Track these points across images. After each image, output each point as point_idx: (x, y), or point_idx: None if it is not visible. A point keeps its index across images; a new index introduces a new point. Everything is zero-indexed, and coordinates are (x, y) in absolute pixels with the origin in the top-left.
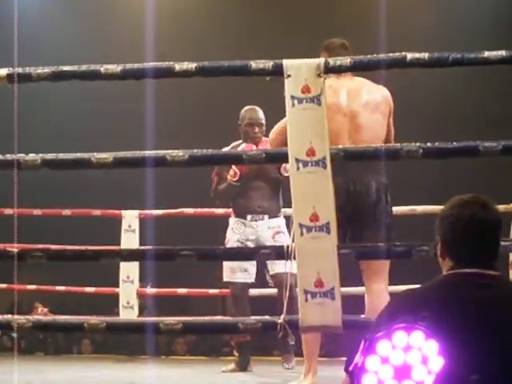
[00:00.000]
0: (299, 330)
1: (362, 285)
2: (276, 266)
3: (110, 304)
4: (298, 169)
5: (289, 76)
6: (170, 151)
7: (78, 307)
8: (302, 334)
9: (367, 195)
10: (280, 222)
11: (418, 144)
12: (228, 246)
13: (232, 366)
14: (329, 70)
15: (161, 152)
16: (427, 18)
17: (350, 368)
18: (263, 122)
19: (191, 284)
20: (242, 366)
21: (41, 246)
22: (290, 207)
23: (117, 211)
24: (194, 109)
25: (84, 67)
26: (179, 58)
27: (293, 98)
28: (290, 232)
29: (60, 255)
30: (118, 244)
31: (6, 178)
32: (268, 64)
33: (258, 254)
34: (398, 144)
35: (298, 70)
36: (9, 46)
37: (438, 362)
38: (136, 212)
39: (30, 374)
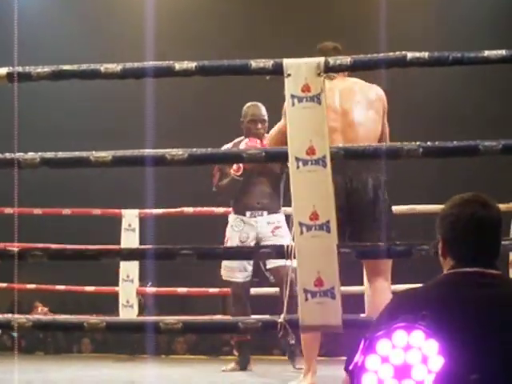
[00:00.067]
0: (299, 330)
1: (362, 284)
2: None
3: (110, 303)
4: (297, 167)
5: (289, 75)
6: (169, 150)
7: (77, 306)
8: (301, 333)
9: (364, 192)
10: (279, 217)
11: (418, 143)
12: (228, 244)
13: (232, 365)
14: (329, 69)
15: (160, 151)
16: (427, 17)
17: (350, 367)
18: (266, 118)
19: (191, 283)
20: (242, 366)
21: (41, 245)
22: (291, 206)
23: (117, 210)
24: (194, 108)
25: (84, 66)
26: (179, 57)
27: (293, 96)
28: (290, 230)
29: (60, 254)
30: (118, 243)
31: (5, 177)
32: (268, 63)
33: (258, 253)
34: (399, 143)
35: (298, 69)
36: (9, 45)
37: (437, 362)
38: (136, 211)
39: (31, 373)
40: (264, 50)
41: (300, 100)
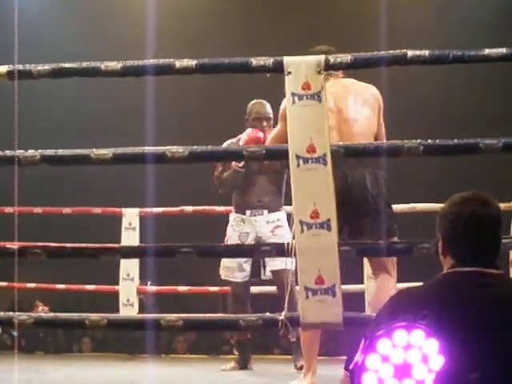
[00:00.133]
0: (300, 328)
1: (362, 282)
2: (276, 262)
3: (111, 302)
4: (298, 165)
5: (289, 73)
6: (169, 147)
7: (78, 305)
8: (302, 330)
9: (360, 188)
10: (280, 215)
11: (418, 141)
12: (228, 243)
13: (232, 364)
14: (329, 67)
15: (161, 148)
16: (427, 17)
17: (351, 366)
18: (271, 115)
19: (192, 282)
20: (242, 365)
21: (41, 244)
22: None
23: (117, 209)
24: (194, 106)
25: (84, 64)
26: (179, 56)
27: (293, 94)
28: (291, 228)
29: (60, 252)
30: (119, 242)
31: (6, 177)
32: (268, 61)
33: (258, 251)
34: (399, 141)
35: (299, 66)
36: (9, 44)
37: (438, 361)
38: (136, 210)
39: (31, 372)
40: (264, 50)
41: (300, 98)
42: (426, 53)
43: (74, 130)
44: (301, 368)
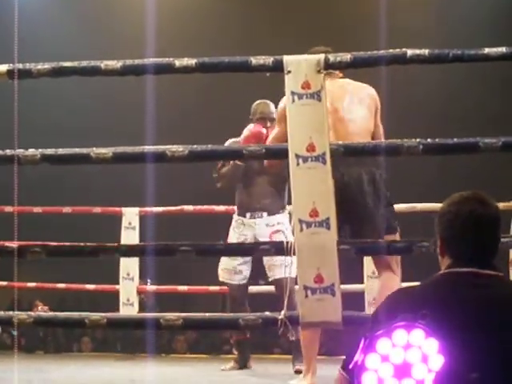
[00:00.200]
0: (299, 327)
1: (362, 282)
2: (276, 271)
3: (111, 301)
4: (297, 164)
5: (289, 72)
6: (169, 146)
7: (78, 305)
8: (301, 329)
9: (357, 187)
10: (281, 218)
11: (418, 140)
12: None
13: (231, 364)
14: (329, 66)
15: (161, 147)
16: (427, 17)
17: (350, 366)
18: (274, 116)
19: (191, 281)
20: (242, 364)
21: (40, 243)
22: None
23: (117, 208)
24: (194, 105)
25: (84, 63)
26: (179, 55)
27: (293, 93)
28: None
29: (59, 251)
30: (119, 241)
31: (5, 176)
32: (268, 60)
33: (258, 249)
34: (399, 140)
35: (298, 66)
36: (9, 42)
37: (438, 361)
38: (136, 209)
39: (30, 372)
40: (264, 49)
41: (300, 97)
42: (425, 52)
43: (74, 129)
44: (297, 372)
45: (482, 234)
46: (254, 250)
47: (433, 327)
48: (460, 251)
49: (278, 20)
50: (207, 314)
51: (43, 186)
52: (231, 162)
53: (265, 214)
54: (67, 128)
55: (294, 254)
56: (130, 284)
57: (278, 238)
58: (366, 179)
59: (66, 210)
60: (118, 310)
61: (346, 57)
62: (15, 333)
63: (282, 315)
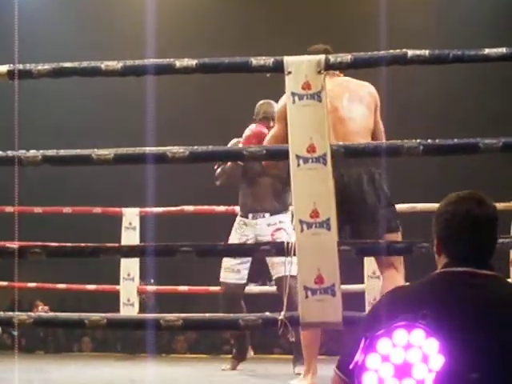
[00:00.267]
0: (299, 327)
1: (362, 282)
2: (278, 270)
3: (111, 302)
4: (298, 165)
5: (289, 73)
6: (170, 148)
7: (78, 305)
8: (302, 330)
9: (357, 187)
10: (282, 217)
11: (418, 141)
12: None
13: (231, 362)
14: (329, 67)
15: (161, 148)
16: (427, 17)
17: (351, 366)
18: None
19: (192, 281)
20: (240, 357)
21: (41, 243)
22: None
23: (117, 209)
24: (195, 105)
25: (85, 64)
26: (178, 54)
27: (293, 94)
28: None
29: (60, 251)
30: (119, 242)
31: (6, 176)
32: (269, 61)
33: (258, 250)
34: (399, 140)
35: (299, 66)
36: (9, 41)
37: (438, 361)
38: (137, 210)
39: (31, 372)
40: (264, 50)
41: (300, 98)
42: (426, 52)
43: (74, 129)
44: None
45: (478, 234)
46: (254, 251)
47: (433, 327)
48: (457, 251)
49: (278, 20)
50: (207, 315)
51: (44, 186)
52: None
53: (267, 214)
54: (68, 128)
55: (295, 254)
56: (130, 284)
57: (279, 235)
58: (365, 179)
59: (67, 210)
60: (118, 310)
61: (347, 57)
62: (15, 333)
63: (281, 316)
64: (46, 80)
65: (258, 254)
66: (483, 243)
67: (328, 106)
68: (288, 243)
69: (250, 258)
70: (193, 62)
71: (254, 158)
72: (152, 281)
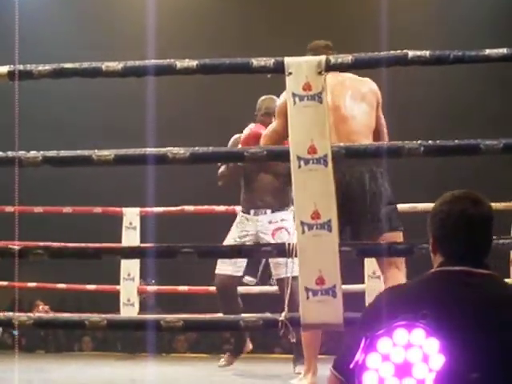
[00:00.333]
0: (300, 329)
1: (362, 282)
2: (280, 270)
3: (111, 302)
4: (299, 166)
5: (290, 73)
6: (171, 148)
7: (78, 305)
8: (302, 331)
9: (359, 187)
10: (285, 215)
11: (419, 142)
12: (226, 240)
13: (225, 357)
14: (330, 68)
15: (162, 149)
16: (427, 17)
17: (351, 366)
18: None
19: (192, 281)
20: (237, 351)
21: (42, 243)
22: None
23: (118, 209)
24: (196, 106)
25: (85, 64)
26: (178, 54)
27: (294, 95)
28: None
29: (61, 252)
30: (119, 241)
31: (6, 176)
32: (269, 61)
33: (259, 251)
34: (400, 142)
35: (299, 67)
36: (9, 41)
37: (438, 360)
38: (137, 209)
39: (31, 372)
40: (264, 50)
41: (301, 98)
42: (426, 53)
43: (75, 131)
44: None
45: (473, 234)
46: (255, 252)
47: (433, 327)
48: (452, 250)
49: (278, 20)
50: (207, 316)
51: (44, 185)
52: None
53: (268, 211)
54: (68, 128)
55: (296, 255)
56: (130, 284)
57: (280, 235)
58: (367, 178)
59: (67, 210)
60: (118, 310)
61: (347, 58)
62: (16, 333)
63: (282, 317)
64: (47, 80)
65: (259, 255)
66: (478, 242)
67: (330, 103)
68: (289, 244)
69: None
70: (193, 63)
71: (254, 159)
72: (153, 281)
